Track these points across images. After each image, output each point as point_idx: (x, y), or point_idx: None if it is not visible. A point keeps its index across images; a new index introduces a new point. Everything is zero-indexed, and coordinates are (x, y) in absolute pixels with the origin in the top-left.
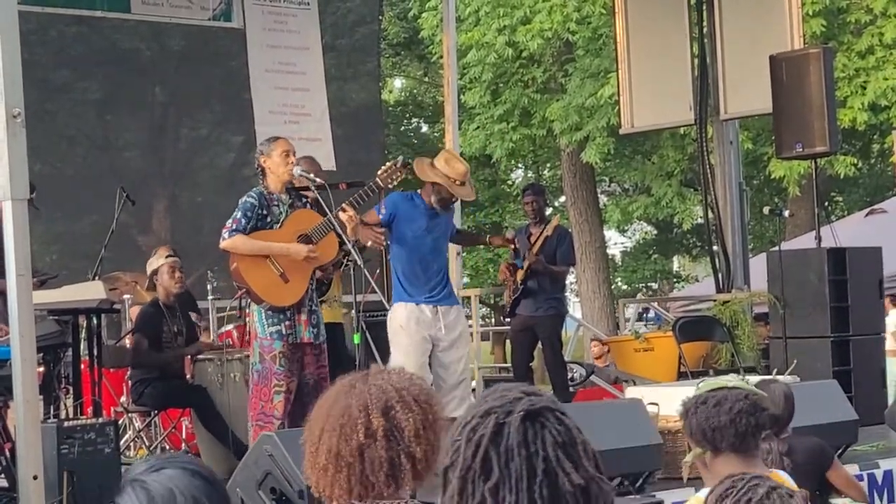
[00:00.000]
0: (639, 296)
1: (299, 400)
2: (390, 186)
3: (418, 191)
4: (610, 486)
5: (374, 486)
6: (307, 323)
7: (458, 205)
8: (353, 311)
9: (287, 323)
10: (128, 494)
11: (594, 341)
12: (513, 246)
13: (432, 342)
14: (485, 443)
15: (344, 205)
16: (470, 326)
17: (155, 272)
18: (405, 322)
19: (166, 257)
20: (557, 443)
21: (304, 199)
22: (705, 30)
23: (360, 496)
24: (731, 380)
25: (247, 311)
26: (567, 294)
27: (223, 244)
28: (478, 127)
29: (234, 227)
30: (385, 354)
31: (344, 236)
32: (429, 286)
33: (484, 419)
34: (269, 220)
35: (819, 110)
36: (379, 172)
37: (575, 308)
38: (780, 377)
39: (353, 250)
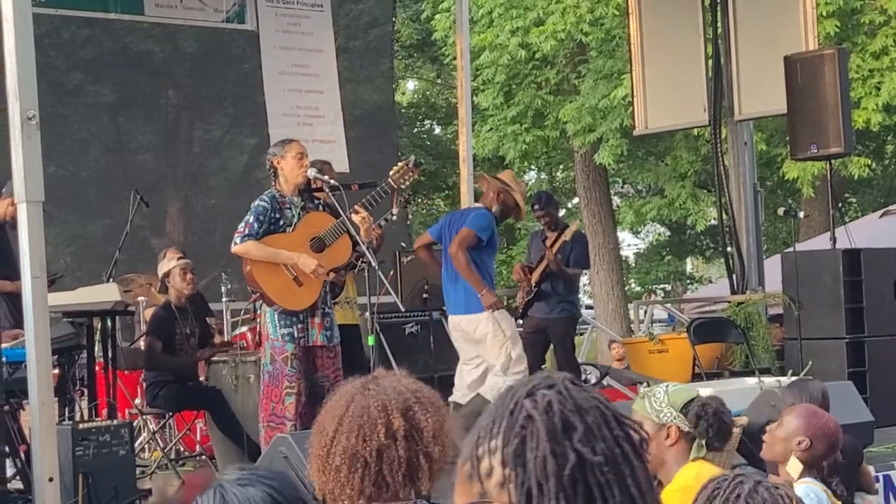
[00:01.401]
0: (651, 297)
1: (314, 402)
2: (402, 187)
3: (476, 204)
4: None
5: (389, 486)
6: (321, 326)
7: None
8: (368, 313)
9: (300, 326)
10: (207, 497)
11: (615, 343)
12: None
13: None
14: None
15: (356, 206)
16: None
17: (167, 275)
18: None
19: (178, 259)
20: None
21: (317, 201)
22: (719, 31)
23: (370, 497)
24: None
25: (259, 312)
26: (580, 296)
27: (235, 249)
28: (491, 128)
29: (246, 231)
30: (400, 356)
31: (357, 237)
32: None
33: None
34: (281, 223)
35: (833, 111)
36: (391, 173)
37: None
38: (804, 378)
39: (367, 252)
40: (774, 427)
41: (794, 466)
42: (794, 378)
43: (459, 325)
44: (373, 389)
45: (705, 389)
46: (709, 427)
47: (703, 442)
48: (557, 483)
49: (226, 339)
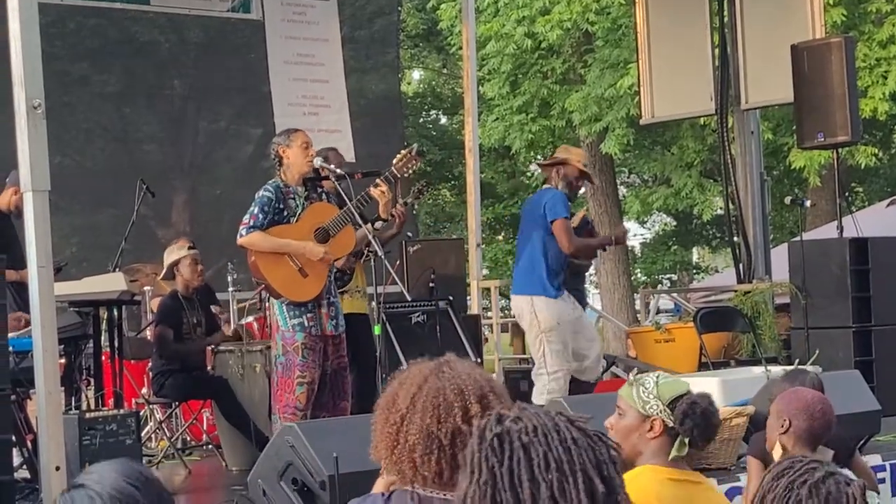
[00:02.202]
0: (657, 287)
1: (318, 389)
2: (406, 175)
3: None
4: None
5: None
6: (328, 316)
7: (474, 198)
8: (374, 303)
9: (309, 315)
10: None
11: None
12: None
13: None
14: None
15: (378, 180)
16: (489, 318)
17: (176, 263)
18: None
19: (188, 249)
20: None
21: (320, 190)
22: (726, 19)
23: (446, 481)
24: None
25: (267, 303)
26: (587, 286)
27: (241, 241)
28: (497, 118)
29: (251, 223)
30: (406, 346)
31: (364, 226)
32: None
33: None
34: (285, 213)
35: (840, 100)
36: (394, 161)
37: (595, 299)
38: (801, 367)
39: (372, 241)
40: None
41: (776, 452)
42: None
43: (515, 307)
44: (447, 372)
45: (705, 380)
46: (694, 427)
47: (686, 440)
48: None
49: (232, 331)
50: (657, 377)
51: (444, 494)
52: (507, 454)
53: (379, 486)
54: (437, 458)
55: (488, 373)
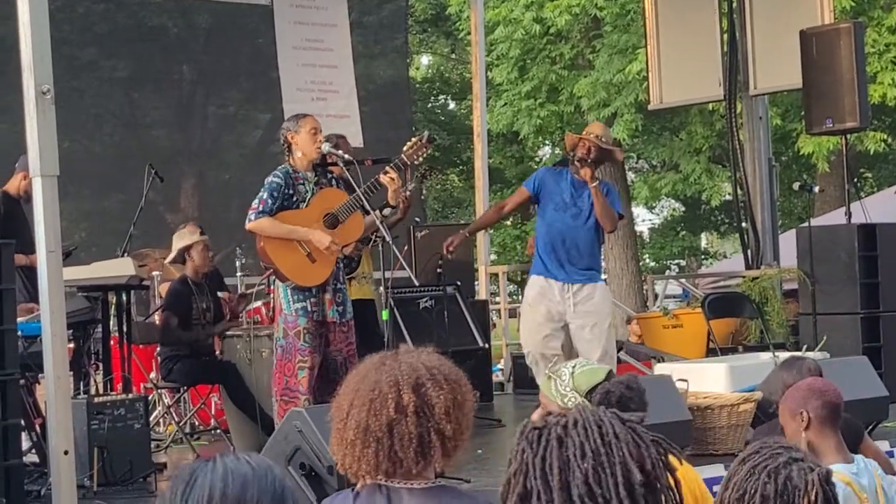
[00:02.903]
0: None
1: (327, 377)
2: (416, 162)
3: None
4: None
5: (402, 462)
6: (332, 302)
7: (483, 183)
8: (382, 288)
9: (313, 300)
10: (175, 480)
11: (633, 319)
12: None
13: (560, 318)
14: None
15: (388, 167)
16: (497, 303)
17: (188, 248)
18: (532, 295)
19: (200, 234)
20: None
21: (330, 176)
22: (734, 5)
23: (387, 472)
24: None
25: (272, 287)
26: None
27: (249, 226)
28: (505, 104)
29: (260, 208)
30: (414, 331)
31: (373, 212)
32: (563, 262)
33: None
34: (295, 199)
35: (849, 85)
36: (404, 149)
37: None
38: (809, 354)
39: (380, 226)
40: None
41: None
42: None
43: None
44: (388, 365)
45: (713, 366)
46: None
47: None
48: None
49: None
50: (573, 367)
51: (410, 483)
52: (541, 445)
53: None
54: (375, 450)
55: (441, 360)
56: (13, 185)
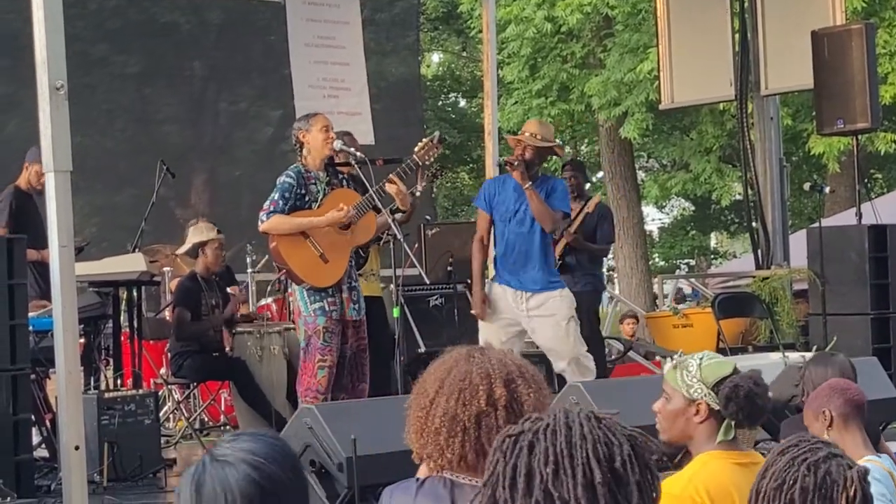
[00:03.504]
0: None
1: (337, 371)
2: (427, 163)
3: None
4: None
5: (487, 455)
6: (349, 300)
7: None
8: (393, 285)
9: (330, 300)
10: (189, 470)
11: (628, 318)
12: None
13: (517, 324)
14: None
15: (392, 175)
16: None
17: (203, 245)
18: (491, 302)
19: (217, 233)
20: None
21: (341, 176)
22: (746, 4)
23: (470, 465)
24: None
25: (290, 290)
26: (604, 270)
27: (262, 227)
28: (516, 102)
29: (272, 208)
30: (424, 329)
31: (384, 210)
32: (516, 271)
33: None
34: (307, 199)
35: (861, 86)
36: (416, 149)
37: (612, 284)
38: (828, 351)
39: (392, 224)
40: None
41: None
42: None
43: None
44: (477, 358)
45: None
46: (739, 410)
47: (732, 423)
48: None
49: (250, 312)
50: (700, 359)
51: (474, 480)
52: (514, 453)
53: (422, 472)
54: (462, 440)
55: (524, 360)
56: (24, 179)
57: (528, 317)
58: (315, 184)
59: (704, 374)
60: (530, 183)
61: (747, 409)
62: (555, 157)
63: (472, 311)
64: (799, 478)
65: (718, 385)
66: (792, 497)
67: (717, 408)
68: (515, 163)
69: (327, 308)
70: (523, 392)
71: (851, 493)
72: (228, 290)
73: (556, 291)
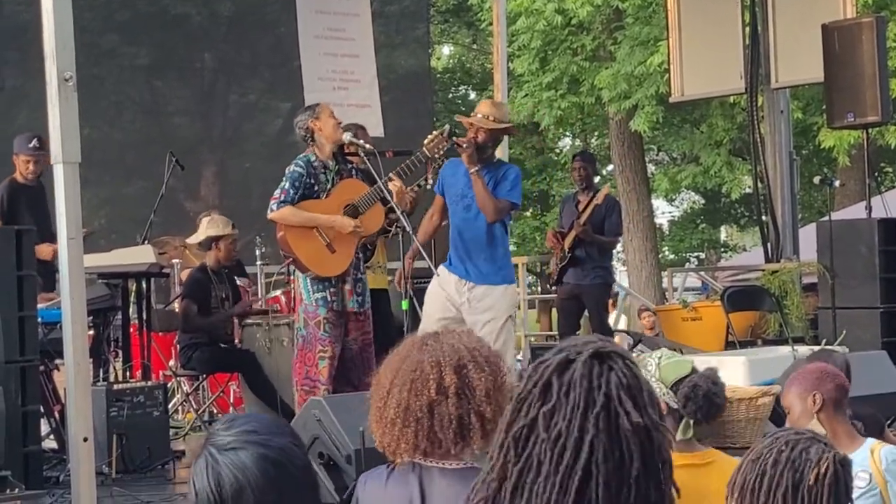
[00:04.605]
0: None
1: (342, 365)
2: (436, 156)
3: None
4: (669, 437)
5: (441, 442)
6: (351, 292)
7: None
8: (401, 280)
9: (332, 290)
10: (199, 468)
11: (646, 312)
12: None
13: (457, 312)
14: (548, 373)
15: (391, 174)
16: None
17: (217, 239)
18: (431, 286)
19: (232, 229)
20: (622, 384)
21: (350, 165)
22: None
23: (425, 452)
24: None
25: (292, 277)
26: (614, 263)
27: (271, 215)
28: (526, 94)
29: (282, 197)
30: None
31: (393, 202)
32: (463, 258)
33: (555, 356)
34: (316, 188)
35: (871, 80)
36: (425, 142)
37: (622, 277)
38: (828, 348)
39: (401, 216)
40: (788, 420)
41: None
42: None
43: None
44: (430, 345)
45: (732, 359)
46: (697, 410)
47: (691, 422)
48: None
49: (259, 305)
50: (659, 359)
51: (443, 463)
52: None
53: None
54: (415, 430)
55: (481, 341)
56: (18, 171)
57: (468, 308)
58: (324, 172)
59: (663, 374)
60: (477, 167)
61: (706, 409)
62: (565, 150)
63: (396, 279)
64: (774, 452)
65: (677, 385)
66: (764, 468)
67: (675, 406)
68: (465, 145)
69: (329, 298)
70: (475, 377)
71: (822, 470)
72: (238, 282)
73: (500, 287)
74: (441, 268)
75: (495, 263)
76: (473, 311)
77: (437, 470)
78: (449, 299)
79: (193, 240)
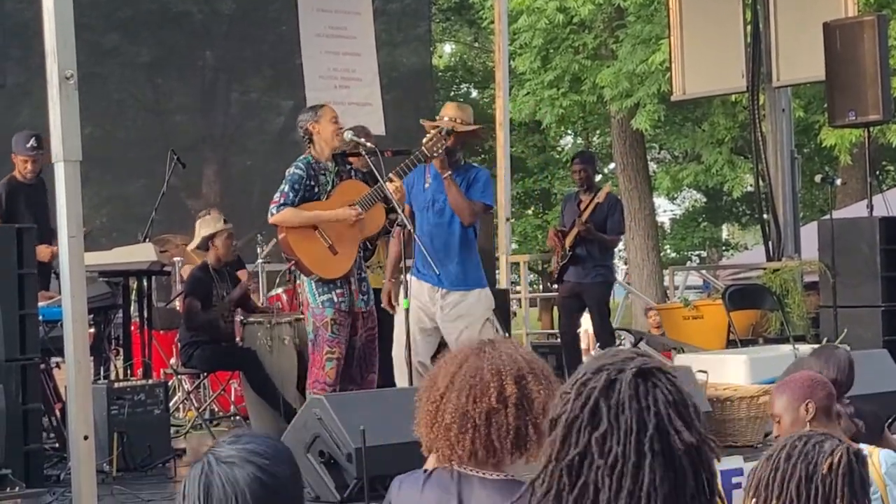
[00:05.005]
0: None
1: (346, 362)
2: (435, 154)
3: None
4: (717, 450)
5: (496, 451)
6: (357, 292)
7: (504, 172)
8: (403, 277)
9: (339, 291)
10: (194, 473)
11: (652, 311)
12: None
13: (431, 321)
14: (595, 395)
15: (391, 174)
16: (518, 292)
17: (212, 237)
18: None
19: (224, 223)
20: (669, 401)
21: (349, 167)
22: None
23: (480, 460)
24: None
25: (298, 281)
26: (616, 261)
27: (272, 219)
28: (528, 93)
29: (282, 201)
30: None
31: (394, 202)
32: (435, 265)
33: (596, 375)
34: (316, 190)
35: (872, 78)
36: (424, 141)
37: (623, 275)
38: (831, 344)
39: (402, 216)
40: (777, 428)
41: None
42: (823, 345)
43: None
44: (488, 353)
45: (733, 358)
46: None
47: None
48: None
49: (261, 303)
50: None
51: (483, 473)
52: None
53: (430, 463)
54: (472, 437)
55: (534, 354)
56: (17, 170)
57: (441, 316)
58: (324, 174)
59: None
60: (450, 172)
61: None
62: (567, 148)
63: (384, 304)
64: (787, 447)
65: None
66: (777, 463)
67: None
68: (436, 151)
69: (336, 300)
70: (533, 389)
71: (836, 460)
72: (238, 273)
73: (474, 291)
74: (410, 278)
75: (468, 268)
76: (447, 318)
77: (476, 479)
78: (422, 308)
79: (192, 246)
